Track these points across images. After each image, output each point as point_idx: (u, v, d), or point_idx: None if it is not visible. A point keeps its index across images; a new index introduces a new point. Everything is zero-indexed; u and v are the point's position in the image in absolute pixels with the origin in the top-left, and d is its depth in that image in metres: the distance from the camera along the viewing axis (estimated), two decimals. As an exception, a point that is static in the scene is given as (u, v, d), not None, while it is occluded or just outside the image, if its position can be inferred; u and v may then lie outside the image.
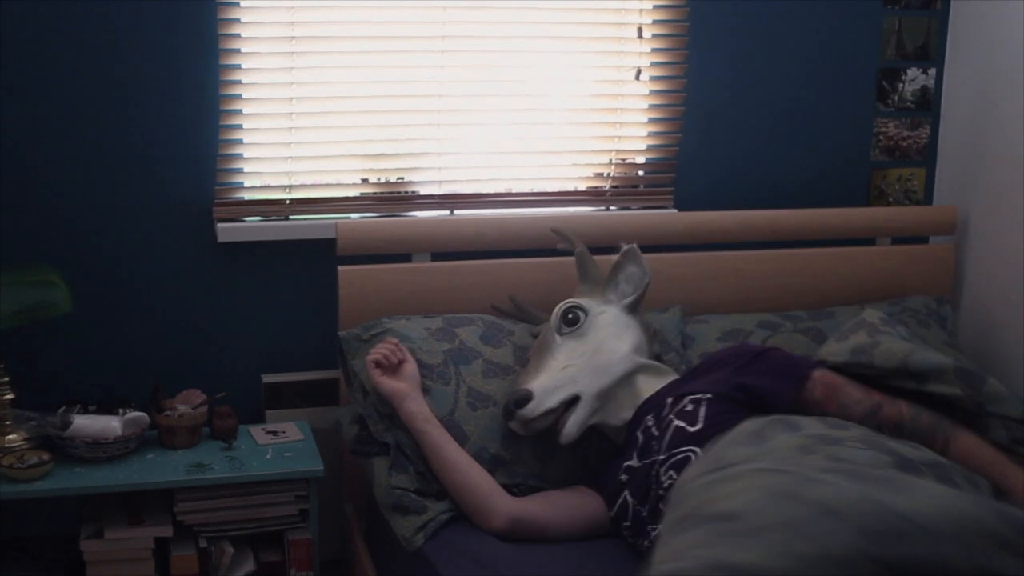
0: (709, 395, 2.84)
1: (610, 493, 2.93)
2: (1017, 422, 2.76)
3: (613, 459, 3.02)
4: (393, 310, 3.38)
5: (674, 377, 3.09)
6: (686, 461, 2.66)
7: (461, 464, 2.96)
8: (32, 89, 3.35)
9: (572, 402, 2.98)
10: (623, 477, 2.90)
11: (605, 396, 3.02)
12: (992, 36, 3.84)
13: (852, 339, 3.00)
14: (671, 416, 2.85)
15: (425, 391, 3.10)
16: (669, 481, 2.69)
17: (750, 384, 2.85)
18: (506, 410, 2.97)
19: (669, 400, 2.92)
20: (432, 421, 3.01)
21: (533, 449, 3.10)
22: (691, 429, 2.77)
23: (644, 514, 2.78)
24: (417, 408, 3.01)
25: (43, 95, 3.37)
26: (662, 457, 2.78)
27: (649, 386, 3.04)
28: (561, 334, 3.06)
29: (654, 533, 2.62)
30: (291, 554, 3.29)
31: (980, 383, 2.82)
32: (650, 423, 2.92)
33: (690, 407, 2.83)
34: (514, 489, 3.04)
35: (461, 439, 3.05)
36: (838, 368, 2.93)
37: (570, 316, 3.07)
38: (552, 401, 2.95)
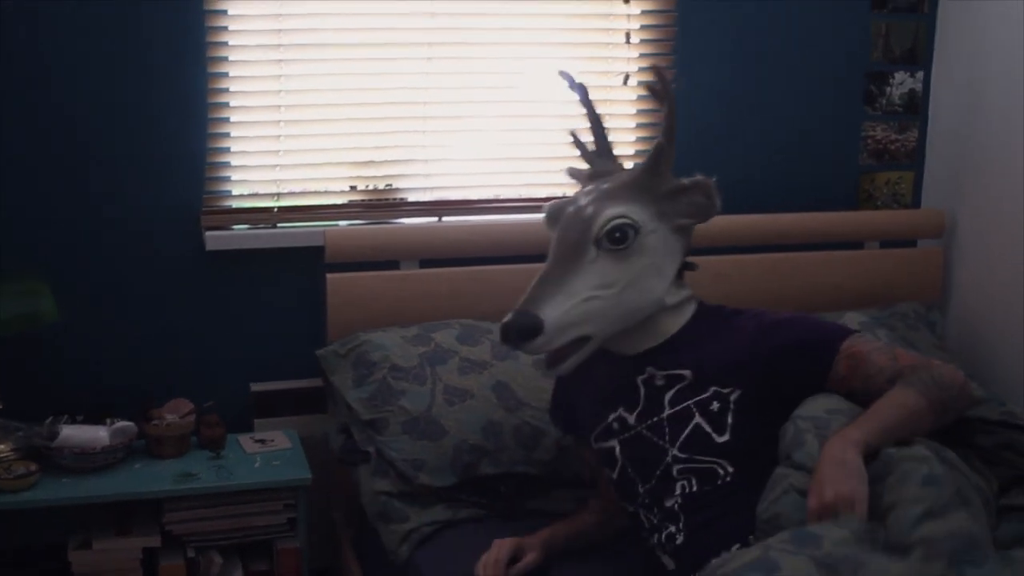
0: (737, 392, 2.46)
1: (598, 436, 2.66)
2: (998, 425, 2.59)
3: (589, 396, 2.72)
4: (381, 318, 3.38)
5: (692, 310, 2.65)
6: (711, 474, 2.42)
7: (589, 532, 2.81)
8: (18, 97, 3.34)
9: (580, 341, 2.54)
10: (614, 425, 2.62)
11: (616, 334, 2.60)
12: (979, 40, 3.85)
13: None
14: (692, 406, 2.49)
15: (400, 393, 3.13)
16: (685, 490, 2.44)
17: (781, 371, 2.46)
18: (505, 332, 2.49)
19: (688, 372, 2.52)
20: (558, 534, 2.76)
21: (516, 436, 3.10)
22: (718, 439, 2.44)
23: (640, 490, 2.54)
24: (550, 541, 2.73)
25: (29, 103, 3.35)
26: (678, 454, 2.47)
27: (667, 327, 2.61)
28: (600, 248, 2.52)
29: (658, 534, 2.47)
30: (280, 563, 3.29)
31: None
32: (655, 374, 2.57)
33: (715, 406, 2.46)
34: (502, 485, 3.05)
35: (439, 434, 3.06)
36: None
37: (617, 235, 2.50)
38: (562, 340, 2.50)
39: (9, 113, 3.34)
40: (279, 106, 3.55)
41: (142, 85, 3.43)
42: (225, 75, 3.47)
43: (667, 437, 2.50)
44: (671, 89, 2.60)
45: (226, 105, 3.50)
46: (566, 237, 2.56)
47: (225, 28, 3.44)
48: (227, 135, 3.52)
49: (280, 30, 3.50)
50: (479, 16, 3.68)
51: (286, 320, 3.65)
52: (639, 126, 3.84)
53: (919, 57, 4.06)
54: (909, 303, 3.80)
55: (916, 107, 4.10)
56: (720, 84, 3.89)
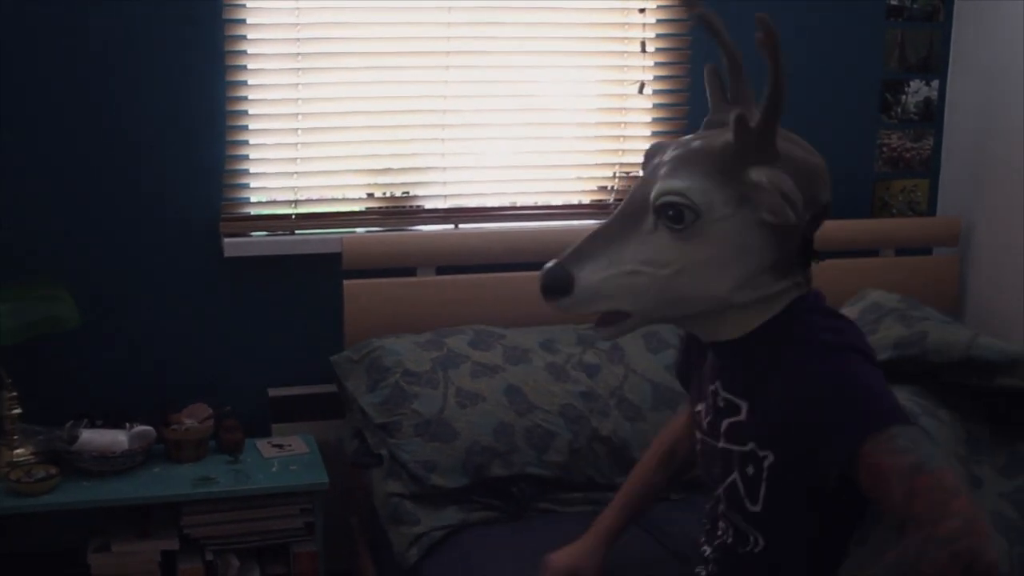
0: (770, 458, 2.07)
1: (695, 419, 2.36)
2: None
3: (699, 368, 2.34)
4: (398, 324, 3.41)
5: (777, 310, 2.13)
6: (744, 538, 2.17)
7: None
8: (39, 105, 3.39)
9: (619, 315, 2.16)
10: (698, 415, 2.30)
11: (678, 319, 2.22)
12: (994, 48, 3.86)
13: (885, 330, 2.66)
14: (735, 457, 2.14)
15: (413, 396, 3.15)
16: (725, 537, 2.23)
17: (804, 453, 2.03)
18: (542, 281, 2.17)
19: (744, 406, 2.14)
20: (611, 526, 2.56)
21: (527, 438, 3.12)
22: (750, 507, 2.12)
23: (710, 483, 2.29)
24: (605, 541, 2.55)
25: (50, 111, 3.40)
26: (723, 500, 2.21)
27: (741, 323, 2.13)
28: (659, 220, 2.07)
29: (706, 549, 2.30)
30: (296, 567, 3.31)
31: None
32: (719, 391, 2.20)
33: (751, 469, 2.10)
34: (514, 486, 3.07)
35: (451, 436, 3.08)
36: (885, 365, 2.40)
37: (671, 213, 2.05)
38: (593, 308, 2.16)
39: (32, 121, 3.39)
40: (297, 114, 3.58)
41: (162, 94, 3.46)
42: (244, 83, 3.50)
43: (719, 473, 2.21)
44: (777, 41, 2.06)
45: (245, 113, 3.53)
46: (636, 194, 2.14)
47: (244, 37, 3.48)
48: (245, 143, 3.55)
49: (298, 39, 3.53)
50: (496, 25, 3.70)
51: (304, 326, 3.68)
52: (654, 134, 3.85)
53: (934, 65, 4.07)
54: (925, 309, 3.80)
55: (931, 115, 4.11)
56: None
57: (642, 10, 3.78)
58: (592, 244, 2.13)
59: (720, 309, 2.10)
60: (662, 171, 2.09)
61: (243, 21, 3.47)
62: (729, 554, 2.21)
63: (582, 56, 3.80)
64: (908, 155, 4.11)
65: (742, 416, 2.13)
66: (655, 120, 3.86)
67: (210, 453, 3.42)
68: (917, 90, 4.08)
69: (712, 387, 2.21)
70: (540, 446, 3.11)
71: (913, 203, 4.15)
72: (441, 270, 3.60)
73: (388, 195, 3.72)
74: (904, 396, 2.43)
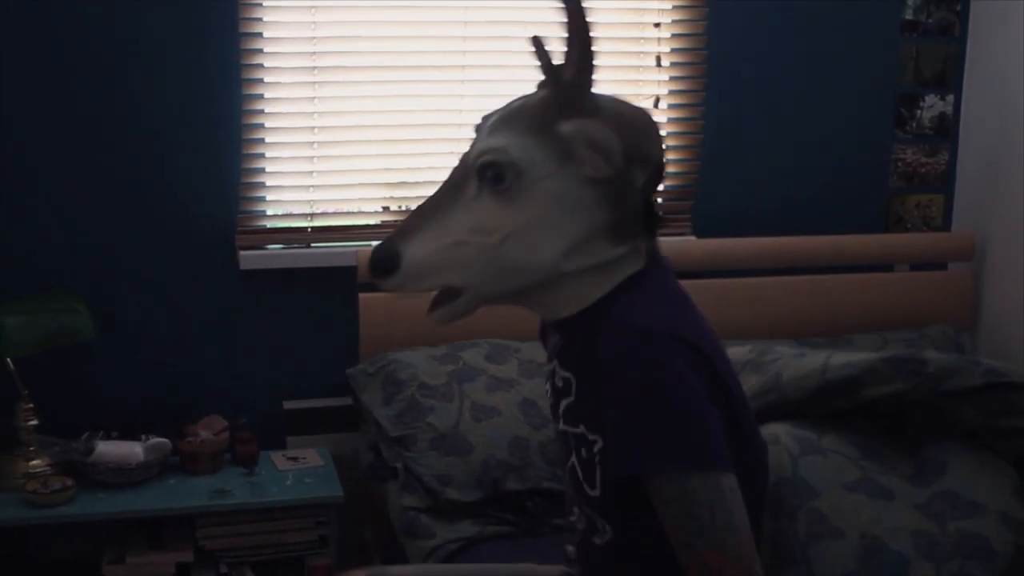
0: (599, 442, 1.94)
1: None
2: (981, 391, 2.39)
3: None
4: (413, 337, 3.41)
5: (612, 284, 1.97)
6: (593, 526, 2.05)
7: None
8: (56, 116, 3.41)
9: (450, 293, 2.00)
10: (548, 393, 2.16)
11: (504, 297, 2.03)
12: (1009, 63, 3.85)
13: (745, 384, 2.34)
14: (571, 438, 2.02)
15: (428, 410, 3.16)
16: (579, 526, 2.13)
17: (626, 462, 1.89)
18: (369, 260, 1.99)
19: (574, 382, 2.01)
20: None
21: (542, 452, 3.12)
22: (589, 492, 1.99)
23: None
24: None
25: (68, 124, 3.41)
26: (567, 479, 2.10)
27: (578, 296, 1.98)
28: (482, 184, 1.93)
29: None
30: (311, 579, 3.32)
31: (920, 365, 2.43)
32: (556, 369, 2.08)
33: (584, 452, 1.98)
34: (528, 501, 3.07)
35: (467, 449, 3.09)
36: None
37: (490, 173, 1.91)
38: (422, 285, 1.97)
39: (49, 132, 3.40)
40: (313, 127, 3.59)
41: (178, 106, 3.48)
42: (260, 96, 3.51)
43: (563, 457, 2.10)
44: None
45: (261, 127, 3.54)
46: (460, 163, 2.00)
47: (260, 51, 3.49)
48: (262, 156, 3.56)
49: (314, 52, 3.54)
50: (511, 39, 3.71)
51: (319, 339, 3.69)
52: (669, 148, 3.85)
53: (949, 80, 4.07)
54: (939, 326, 3.80)
55: (946, 130, 4.11)
56: (750, 106, 3.91)
57: (657, 24, 3.79)
58: (417, 218, 1.98)
59: (553, 279, 1.95)
60: (482, 133, 1.99)
61: (259, 35, 3.49)
62: (585, 546, 2.10)
63: (598, 70, 3.80)
64: (923, 170, 4.11)
65: (573, 397, 2.01)
66: (670, 134, 3.86)
67: (225, 465, 3.43)
68: (932, 105, 4.08)
69: (551, 366, 2.10)
70: (555, 460, 3.11)
71: (928, 218, 4.15)
72: (456, 283, 3.61)
73: (404, 208, 3.72)
74: (784, 431, 2.38)
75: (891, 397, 2.40)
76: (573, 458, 2.01)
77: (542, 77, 2.02)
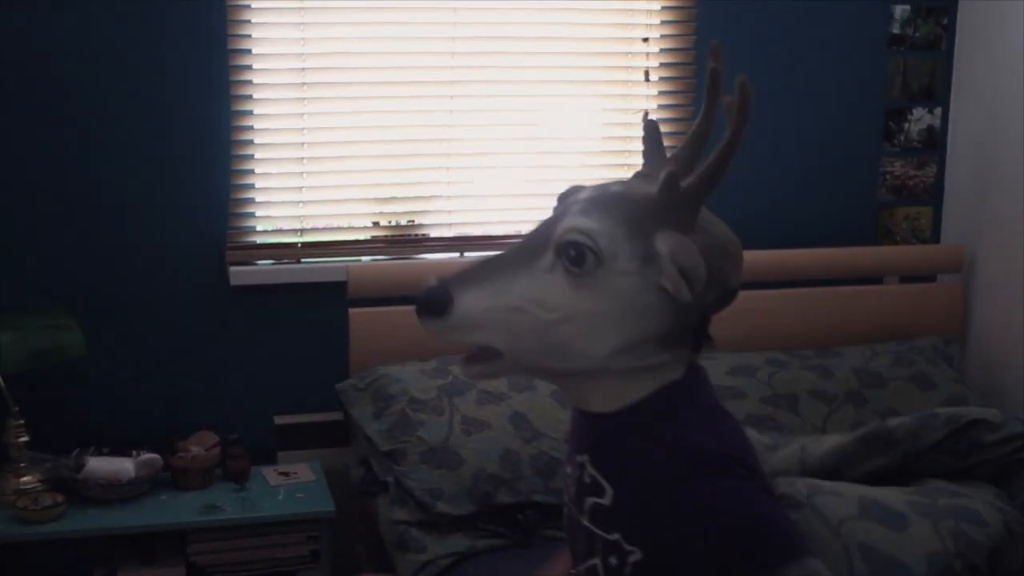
0: (637, 554, 1.91)
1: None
2: (943, 441, 2.71)
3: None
4: (403, 352, 3.41)
5: (651, 390, 1.95)
6: None
7: None
8: (46, 132, 3.41)
9: (488, 351, 1.95)
10: (567, 476, 2.12)
11: (540, 372, 2.06)
12: (996, 75, 3.87)
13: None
14: (599, 542, 1.96)
15: (419, 424, 3.16)
16: None
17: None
18: (419, 298, 1.92)
19: (610, 491, 1.95)
20: None
21: (533, 465, 3.13)
22: None
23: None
24: None
25: (58, 141, 3.42)
26: (582, 574, 2.03)
27: (616, 394, 1.95)
28: (559, 259, 1.88)
29: None
30: (303, 594, 3.32)
31: (889, 435, 2.67)
32: (586, 466, 2.00)
33: (613, 560, 1.93)
34: (520, 514, 3.07)
35: (457, 463, 3.09)
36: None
37: (572, 253, 1.86)
38: (465, 338, 1.93)
39: (37, 149, 3.41)
40: (302, 143, 3.60)
41: (168, 122, 3.49)
42: (249, 113, 3.52)
43: (582, 551, 2.03)
44: (749, 110, 2.03)
45: (250, 142, 3.55)
46: (539, 229, 1.96)
47: (249, 67, 3.50)
48: (251, 171, 3.57)
49: (303, 68, 3.55)
50: (501, 55, 3.72)
51: (309, 354, 3.69)
52: (659, 162, 3.86)
53: (937, 93, 4.09)
54: (928, 338, 3.81)
55: (934, 143, 4.12)
56: (739, 121, 3.92)
57: (646, 39, 3.80)
58: (481, 270, 1.93)
59: (596, 372, 1.92)
60: (574, 209, 1.91)
61: (248, 51, 3.50)
62: None
63: (586, 85, 3.83)
64: (911, 182, 4.13)
65: (606, 501, 1.95)
66: (659, 148, 3.87)
67: (216, 481, 3.43)
68: (920, 118, 4.10)
69: (580, 458, 2.01)
70: (546, 473, 3.11)
71: (917, 230, 4.16)
72: (446, 298, 3.61)
73: (393, 223, 3.74)
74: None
75: (871, 473, 2.64)
76: (598, 560, 1.96)
77: (647, 163, 2.01)
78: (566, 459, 2.13)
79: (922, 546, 2.44)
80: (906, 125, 4.09)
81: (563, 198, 1.99)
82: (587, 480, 1.98)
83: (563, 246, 1.86)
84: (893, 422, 2.75)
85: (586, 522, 1.98)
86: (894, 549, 2.42)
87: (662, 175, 1.87)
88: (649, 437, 1.91)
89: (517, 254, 1.92)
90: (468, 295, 1.88)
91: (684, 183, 1.89)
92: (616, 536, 1.92)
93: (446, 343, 1.95)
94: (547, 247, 1.89)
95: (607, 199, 1.92)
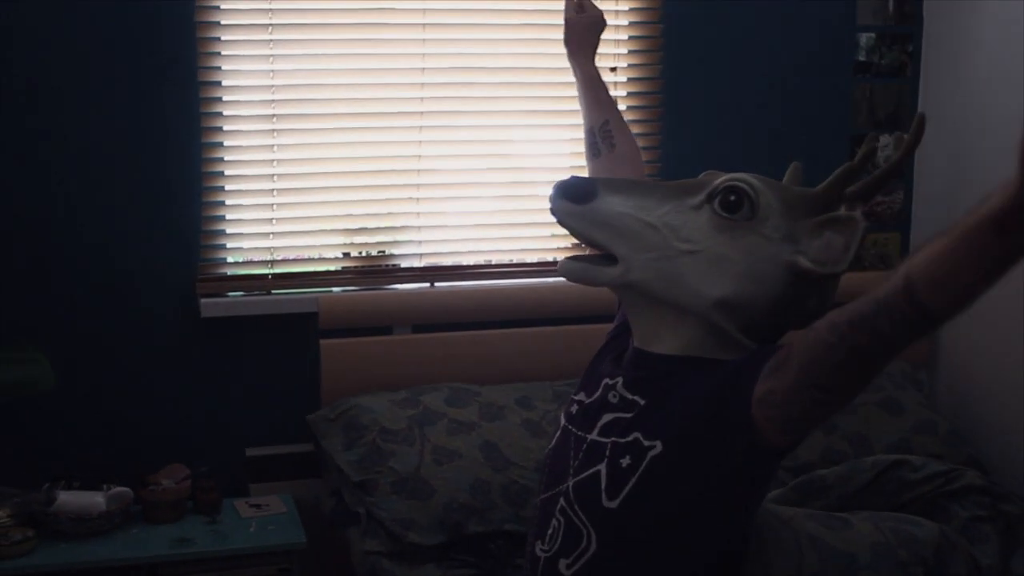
0: (659, 447, 1.94)
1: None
2: (871, 483, 3.11)
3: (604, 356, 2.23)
4: (375, 382, 3.42)
5: (715, 342, 2.00)
6: (577, 537, 2.01)
7: None
8: (15, 168, 3.41)
9: (607, 257, 2.02)
10: (573, 405, 2.17)
11: (647, 296, 2.03)
12: (962, 101, 3.91)
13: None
14: (608, 446, 2.00)
15: (390, 454, 3.17)
16: (554, 539, 2.05)
17: (726, 411, 1.91)
18: (561, 181, 2.07)
19: (642, 403, 2.01)
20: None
21: (504, 494, 3.14)
22: (605, 504, 1.98)
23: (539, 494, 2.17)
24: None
25: (26, 174, 3.41)
26: (570, 493, 2.04)
27: (689, 343, 2.01)
28: (709, 203, 1.99)
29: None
30: (275, 627, 3.31)
31: (821, 481, 3.10)
32: (618, 387, 2.06)
33: (626, 460, 1.96)
34: (491, 543, 3.08)
35: (428, 493, 3.10)
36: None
37: (732, 197, 1.97)
38: (593, 233, 2.01)
39: (7, 182, 3.40)
40: (273, 175, 3.61)
41: (138, 155, 3.49)
42: (220, 145, 3.53)
43: (575, 466, 2.06)
44: (918, 142, 2.10)
45: (221, 174, 3.55)
46: (698, 178, 2.07)
47: (219, 99, 3.51)
48: (222, 203, 3.58)
49: (273, 100, 3.57)
50: (469, 86, 3.74)
51: (281, 385, 3.68)
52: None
53: (903, 120, 4.12)
54: (897, 363, 3.82)
55: (901, 169, 4.14)
56: (705, 151, 3.93)
57: (613, 69, 3.83)
58: (631, 185, 2.05)
59: (688, 314, 1.99)
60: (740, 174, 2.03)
61: (218, 83, 3.51)
62: (553, 565, 2.04)
63: (555, 115, 3.85)
64: (879, 209, 4.15)
65: (630, 414, 2.00)
66: (628, 177, 3.89)
67: (187, 514, 3.41)
68: (886, 145, 4.12)
69: (610, 381, 2.08)
70: (517, 502, 3.12)
71: (884, 256, 4.19)
72: (417, 328, 3.62)
73: (364, 254, 3.74)
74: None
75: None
76: (601, 466, 1.99)
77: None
78: (581, 385, 2.18)
79: (865, 538, 2.78)
80: (873, 152, 4.11)
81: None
82: (613, 400, 2.05)
83: (724, 190, 1.97)
84: (823, 471, 3.13)
85: (594, 436, 2.04)
86: (840, 542, 2.73)
87: (837, 171, 2.04)
88: (693, 382, 1.97)
89: (668, 187, 2.05)
90: (613, 195, 2.00)
91: (852, 187, 2.05)
92: (634, 435, 1.97)
93: (570, 228, 2.03)
94: (700, 190, 2.00)
95: (773, 181, 2.06)
